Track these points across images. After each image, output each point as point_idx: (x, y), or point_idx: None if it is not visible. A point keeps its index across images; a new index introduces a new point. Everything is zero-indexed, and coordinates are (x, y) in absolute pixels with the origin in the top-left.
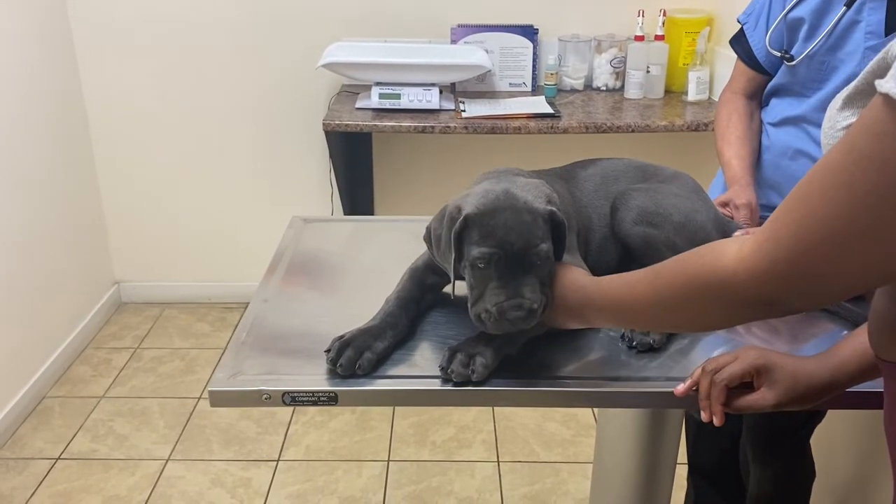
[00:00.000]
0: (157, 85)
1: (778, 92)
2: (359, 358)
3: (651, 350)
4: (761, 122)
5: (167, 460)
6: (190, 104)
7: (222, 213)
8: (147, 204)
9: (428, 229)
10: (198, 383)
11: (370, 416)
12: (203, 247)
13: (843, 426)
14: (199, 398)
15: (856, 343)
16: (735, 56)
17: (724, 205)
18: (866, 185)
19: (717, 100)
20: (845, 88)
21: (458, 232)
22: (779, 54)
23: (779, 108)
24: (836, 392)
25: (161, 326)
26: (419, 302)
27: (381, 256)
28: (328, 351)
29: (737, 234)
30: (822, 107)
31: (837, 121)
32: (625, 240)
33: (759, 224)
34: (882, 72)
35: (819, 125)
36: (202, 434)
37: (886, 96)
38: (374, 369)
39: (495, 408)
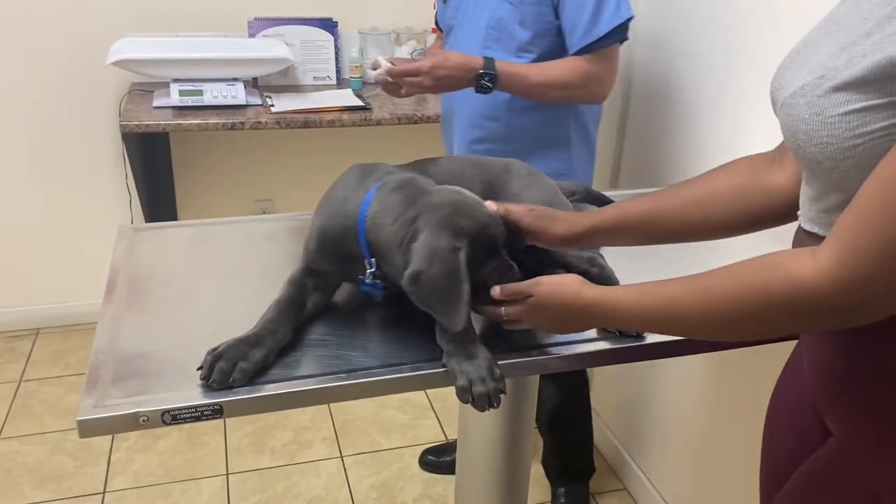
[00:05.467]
0: None
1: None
2: (232, 370)
3: (636, 336)
4: None
5: None
6: None
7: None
8: None
9: (416, 276)
10: None
11: (201, 431)
12: None
13: None
14: None
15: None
16: None
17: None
18: None
19: None
20: (830, 76)
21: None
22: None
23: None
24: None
25: None
26: (303, 305)
27: (236, 260)
28: (201, 367)
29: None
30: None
31: (826, 107)
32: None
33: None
34: None
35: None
36: (9, 477)
37: None
38: (250, 381)
39: (332, 404)
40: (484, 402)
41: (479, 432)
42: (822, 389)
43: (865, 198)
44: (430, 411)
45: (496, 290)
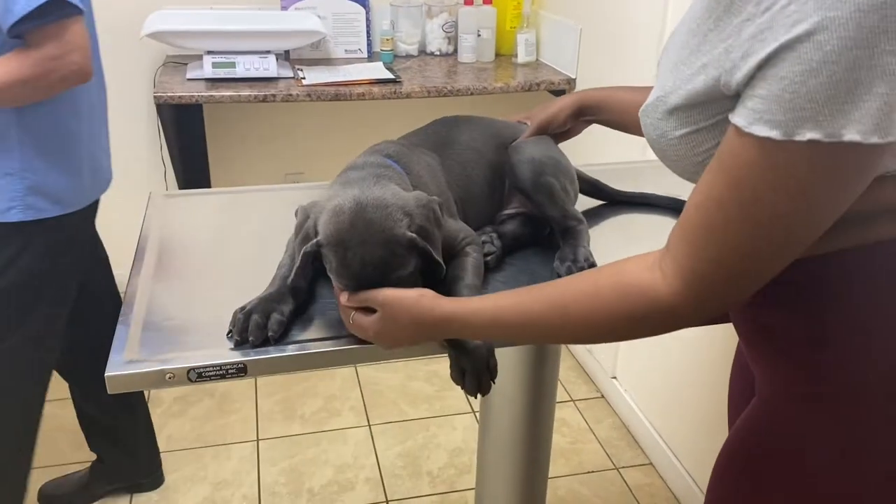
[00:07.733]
0: None
1: None
2: (266, 323)
3: None
4: None
5: None
6: None
7: None
8: None
9: (299, 212)
10: None
11: (232, 398)
12: None
13: None
14: None
15: None
16: None
17: None
18: (773, 209)
19: (544, 61)
20: (664, 98)
21: (310, 254)
22: None
23: None
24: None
25: None
26: (313, 262)
27: (262, 227)
28: (230, 332)
29: None
30: None
31: (666, 130)
32: (527, 192)
33: None
34: (716, 92)
35: None
36: (49, 438)
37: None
38: (285, 333)
39: (360, 374)
40: (474, 391)
41: (501, 400)
42: (745, 345)
43: (692, 215)
44: None
45: (343, 297)
